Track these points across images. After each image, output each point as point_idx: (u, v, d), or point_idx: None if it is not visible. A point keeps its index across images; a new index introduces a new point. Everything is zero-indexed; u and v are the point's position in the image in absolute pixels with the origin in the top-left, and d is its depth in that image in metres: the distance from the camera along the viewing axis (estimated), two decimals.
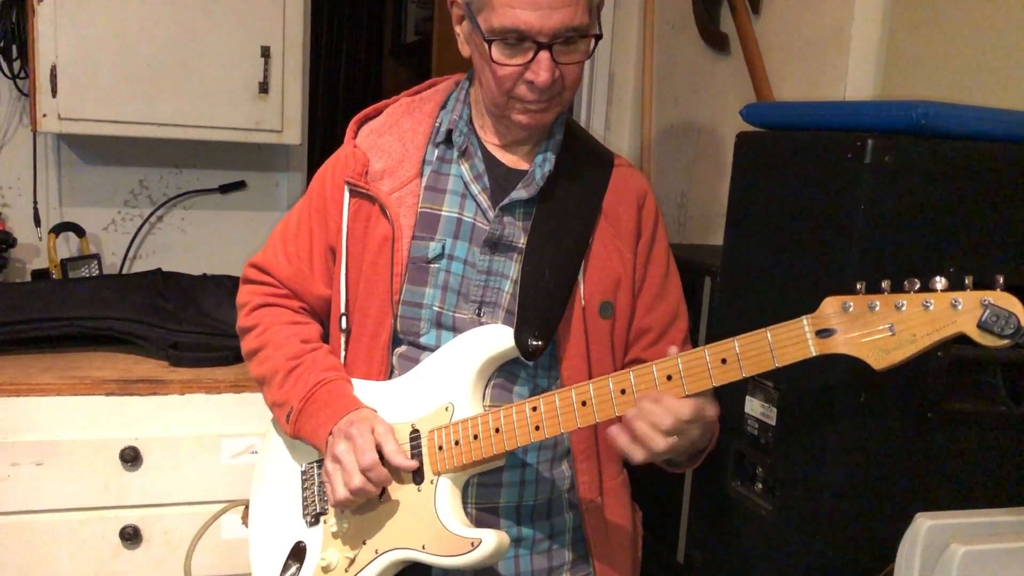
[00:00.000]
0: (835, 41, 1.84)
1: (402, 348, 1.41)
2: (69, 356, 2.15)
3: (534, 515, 1.42)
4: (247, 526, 1.53)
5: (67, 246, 2.65)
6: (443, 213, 1.40)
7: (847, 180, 1.20)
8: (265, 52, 2.43)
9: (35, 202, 2.61)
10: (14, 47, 2.48)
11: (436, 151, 1.43)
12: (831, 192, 1.24)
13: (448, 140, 1.42)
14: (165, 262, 2.68)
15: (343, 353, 1.46)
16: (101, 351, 2.20)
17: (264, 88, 2.44)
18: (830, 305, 1.06)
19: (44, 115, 2.30)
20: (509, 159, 1.43)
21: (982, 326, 0.97)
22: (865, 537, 1.25)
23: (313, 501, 1.43)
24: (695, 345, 1.51)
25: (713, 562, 1.53)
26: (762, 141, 1.42)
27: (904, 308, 1.01)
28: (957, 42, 1.65)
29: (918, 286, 1.01)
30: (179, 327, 2.18)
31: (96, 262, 2.58)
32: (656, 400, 1.17)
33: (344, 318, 1.45)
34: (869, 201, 1.18)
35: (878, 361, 1.02)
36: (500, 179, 1.41)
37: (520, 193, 1.38)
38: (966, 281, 0.99)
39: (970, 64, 1.62)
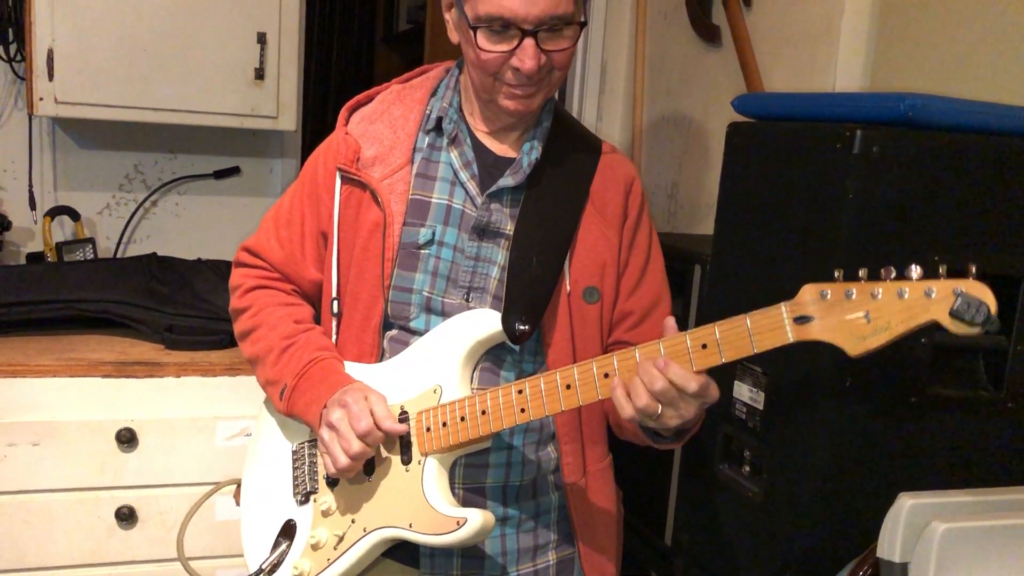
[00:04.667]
0: (825, 33, 1.87)
1: (393, 332, 1.43)
2: (66, 338, 2.17)
3: (520, 495, 1.44)
4: (239, 504, 1.56)
5: (62, 230, 2.66)
6: (433, 200, 1.42)
7: (835, 170, 1.23)
8: (261, 39, 2.44)
9: (30, 185, 2.61)
10: (11, 30, 2.48)
11: (427, 138, 1.45)
12: (820, 182, 1.26)
13: (438, 128, 1.44)
14: (159, 246, 2.69)
15: (335, 336, 1.48)
16: (97, 334, 2.21)
17: (260, 74, 2.45)
18: (808, 292, 1.08)
19: (40, 99, 2.30)
20: (498, 147, 1.45)
21: (954, 314, 0.98)
22: (850, 518, 1.28)
23: (304, 480, 1.45)
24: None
25: (700, 544, 1.56)
26: (753, 131, 1.45)
27: (880, 296, 1.03)
28: (945, 35, 1.68)
29: (894, 274, 1.03)
30: (175, 310, 2.20)
31: (91, 246, 2.58)
32: (665, 365, 1.17)
33: (336, 302, 1.47)
34: (857, 190, 1.21)
35: (854, 347, 1.05)
36: (489, 166, 1.43)
37: (507, 180, 1.40)
38: (940, 270, 1.00)
39: (957, 57, 1.65)
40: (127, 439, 2.02)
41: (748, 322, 1.11)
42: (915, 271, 1.02)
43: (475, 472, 1.41)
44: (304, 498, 1.44)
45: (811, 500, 1.28)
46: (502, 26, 1.29)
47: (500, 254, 1.40)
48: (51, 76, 2.30)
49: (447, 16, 1.40)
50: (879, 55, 1.82)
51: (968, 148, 1.24)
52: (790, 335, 1.09)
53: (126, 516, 2.05)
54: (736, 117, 1.50)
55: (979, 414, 1.30)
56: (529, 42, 1.29)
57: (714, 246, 1.53)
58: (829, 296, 1.06)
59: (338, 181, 1.45)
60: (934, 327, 1.01)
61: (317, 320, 1.53)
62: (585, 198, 1.44)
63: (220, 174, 2.81)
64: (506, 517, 1.44)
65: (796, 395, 1.31)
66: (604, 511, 1.50)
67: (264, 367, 1.48)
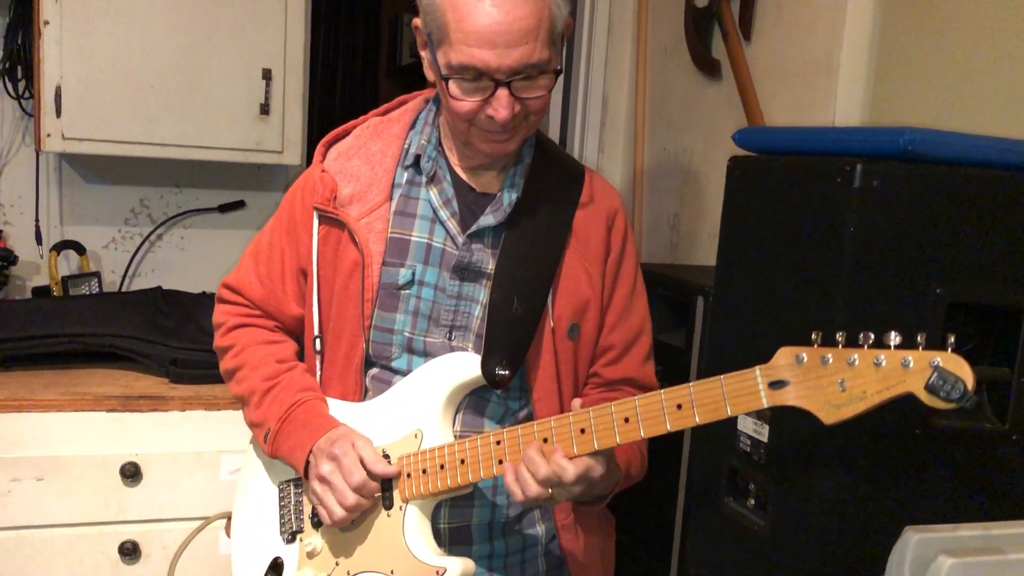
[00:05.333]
0: (824, 67, 1.89)
1: (375, 370, 1.42)
2: (71, 372, 2.17)
3: (506, 531, 1.43)
4: (229, 537, 1.57)
5: (67, 264, 2.67)
6: (413, 238, 1.40)
7: (836, 203, 1.23)
8: (266, 74, 2.47)
9: (37, 220, 2.63)
10: (19, 68, 2.51)
11: (406, 174, 1.42)
12: (821, 215, 1.27)
13: (417, 164, 1.41)
14: (164, 280, 2.70)
15: (318, 373, 1.47)
16: (102, 367, 2.22)
17: (265, 109, 2.48)
18: (783, 356, 1.07)
19: (48, 135, 2.32)
20: (478, 182, 1.42)
21: (929, 389, 0.97)
22: (856, 551, 1.27)
23: (289, 519, 1.45)
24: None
25: None
26: (754, 165, 1.46)
27: (856, 363, 1.01)
28: (943, 69, 1.69)
29: (872, 340, 1.02)
30: (179, 344, 2.20)
31: (96, 279, 2.59)
32: (540, 450, 1.21)
33: (318, 340, 1.45)
34: (858, 224, 1.21)
35: (828, 416, 1.04)
36: (470, 204, 1.41)
37: (488, 219, 1.38)
38: (919, 339, 0.99)
39: (956, 91, 1.66)
40: (131, 473, 2.02)
41: (723, 384, 1.10)
42: (894, 339, 1.00)
43: (460, 511, 1.40)
44: (291, 537, 1.44)
45: (817, 533, 1.28)
46: (475, 76, 1.25)
47: (482, 292, 1.38)
48: (59, 113, 2.32)
49: (423, 54, 1.36)
50: (878, 89, 1.83)
51: (968, 181, 1.25)
52: (764, 400, 1.08)
53: (129, 551, 2.04)
54: (737, 150, 1.51)
55: (984, 446, 1.29)
56: (503, 92, 1.26)
57: (717, 278, 1.53)
58: (805, 361, 1.05)
59: (315, 220, 1.42)
60: (910, 398, 1.00)
61: (302, 354, 1.51)
62: (568, 233, 1.42)
63: (225, 208, 2.83)
64: (492, 554, 1.43)
65: (800, 427, 1.31)
66: (595, 542, 1.50)
67: (248, 409, 1.47)
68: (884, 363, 1.00)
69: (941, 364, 0.97)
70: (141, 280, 2.78)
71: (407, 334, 1.39)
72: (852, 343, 1.04)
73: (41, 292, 2.59)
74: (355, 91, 5.39)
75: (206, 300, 2.47)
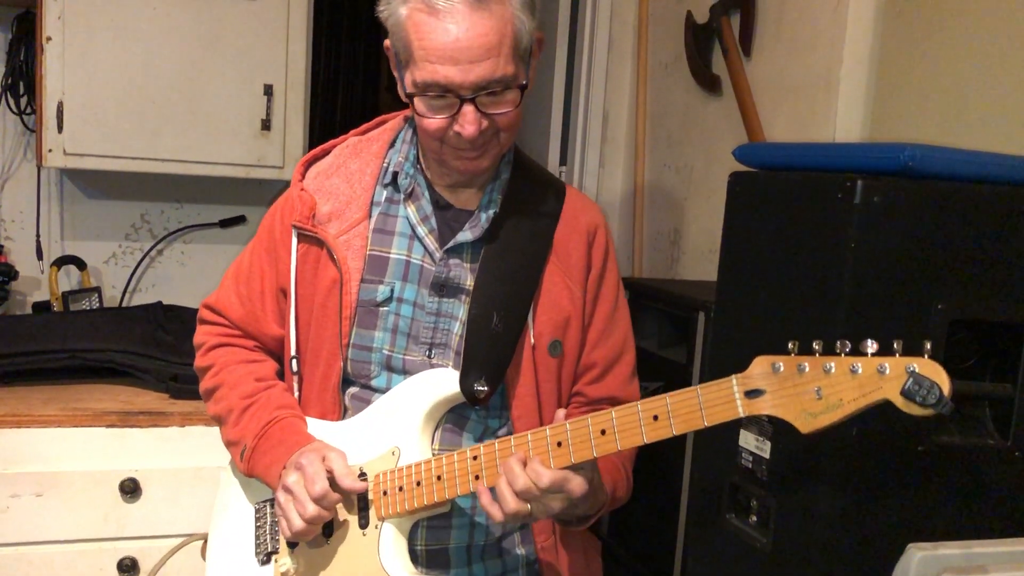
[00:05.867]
0: (824, 84, 1.89)
1: (354, 389, 1.41)
2: (70, 388, 2.17)
3: (485, 554, 1.41)
4: (204, 559, 1.53)
5: (68, 279, 2.67)
6: (391, 255, 1.39)
7: (837, 219, 1.23)
8: (268, 90, 2.48)
9: (37, 235, 2.63)
10: (21, 83, 2.52)
11: (385, 192, 1.42)
12: (821, 231, 1.27)
13: (395, 182, 1.41)
14: (165, 295, 2.70)
15: (297, 393, 1.45)
16: (102, 383, 2.21)
17: (267, 125, 2.48)
18: (759, 365, 1.06)
19: (50, 150, 2.33)
20: (456, 199, 1.42)
21: (905, 394, 0.96)
22: (859, 569, 1.27)
23: (265, 540, 1.42)
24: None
25: None
26: (754, 181, 1.46)
27: (832, 371, 1.01)
28: (943, 86, 1.70)
29: (849, 348, 1.01)
30: (179, 360, 2.20)
31: (97, 295, 2.60)
32: (521, 461, 1.19)
33: (295, 361, 1.44)
34: (858, 240, 1.21)
35: (804, 424, 1.03)
36: (448, 220, 1.40)
37: (466, 235, 1.37)
38: (895, 346, 0.99)
39: (956, 107, 1.67)
40: (131, 489, 2.02)
41: (699, 394, 1.10)
42: (871, 346, 1.00)
43: (438, 533, 1.38)
44: (265, 558, 1.41)
45: (819, 551, 1.27)
46: (440, 93, 1.25)
47: (462, 309, 1.37)
48: (60, 128, 2.33)
49: (396, 74, 1.35)
50: (878, 105, 1.84)
51: (969, 197, 1.24)
52: (740, 410, 1.08)
53: (128, 568, 2.03)
54: (737, 166, 1.51)
55: (987, 463, 1.29)
56: (468, 108, 1.25)
57: (718, 294, 1.53)
58: (782, 370, 1.05)
59: (294, 238, 1.42)
60: (887, 405, 0.99)
61: (281, 375, 1.50)
62: (548, 249, 1.41)
63: (226, 223, 2.83)
64: None
65: (802, 444, 1.30)
66: (577, 565, 1.47)
67: (226, 427, 1.45)
68: (860, 370, 1.00)
69: (917, 370, 0.97)
70: (142, 295, 2.78)
71: (386, 352, 1.38)
72: (829, 352, 1.03)
73: (41, 307, 2.59)
74: (356, 107, 5.40)
75: None
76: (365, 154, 1.45)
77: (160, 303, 2.48)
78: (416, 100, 1.28)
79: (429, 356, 1.37)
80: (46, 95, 2.32)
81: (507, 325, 1.35)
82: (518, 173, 1.44)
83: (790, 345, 1.05)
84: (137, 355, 2.20)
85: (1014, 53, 1.56)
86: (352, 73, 5.40)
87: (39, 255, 2.64)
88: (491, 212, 1.39)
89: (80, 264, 2.65)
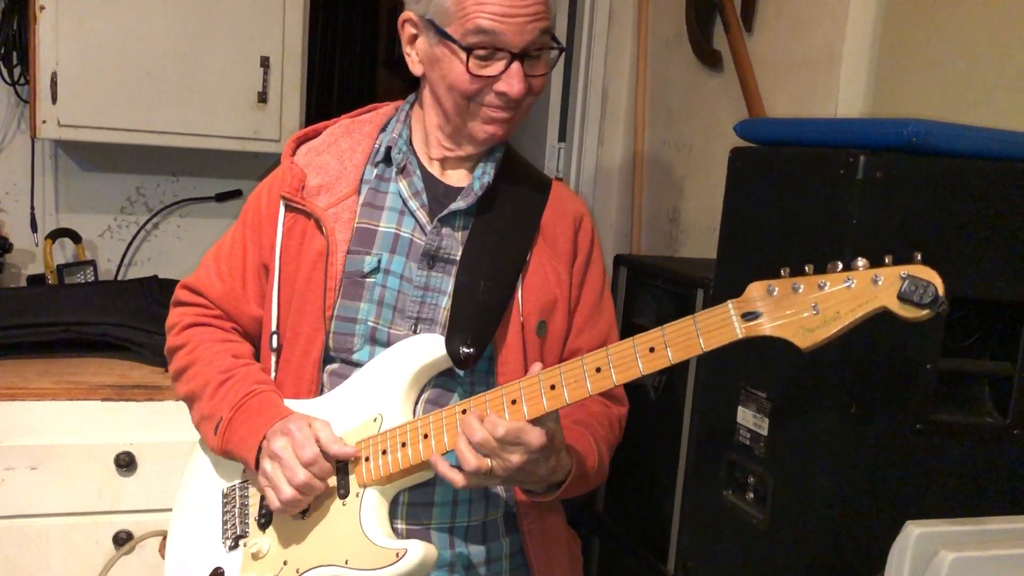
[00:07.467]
0: (827, 59, 1.87)
1: (334, 366, 1.39)
2: (65, 361, 2.16)
3: (468, 537, 1.39)
4: (163, 558, 1.48)
5: (63, 252, 2.66)
6: (380, 228, 1.38)
7: (839, 195, 1.23)
8: (264, 62, 2.45)
9: (32, 208, 2.62)
10: (15, 54, 2.49)
11: (375, 170, 1.42)
12: (823, 207, 1.26)
13: (387, 159, 1.41)
14: (160, 269, 2.69)
15: (273, 374, 1.43)
16: (97, 357, 2.21)
17: (263, 98, 2.46)
18: (755, 289, 1.07)
19: (44, 121, 2.31)
20: (448, 178, 1.43)
21: (902, 297, 0.98)
22: (855, 546, 1.27)
23: (234, 523, 1.38)
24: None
25: (704, 571, 1.55)
26: (755, 156, 1.45)
27: (827, 287, 1.02)
28: (946, 61, 1.68)
29: (840, 268, 1.03)
30: None
31: (92, 268, 2.58)
32: (479, 417, 1.19)
33: (275, 336, 1.42)
34: (860, 216, 1.21)
35: (803, 340, 1.03)
36: (439, 196, 1.40)
37: (459, 204, 1.38)
38: (887, 260, 1.01)
39: (959, 83, 1.65)
40: (126, 463, 2.01)
41: (695, 321, 1.10)
42: (861, 263, 1.02)
43: (419, 510, 1.35)
44: (234, 543, 1.37)
45: (816, 528, 1.27)
46: (490, 51, 1.29)
47: (449, 283, 1.36)
48: (54, 99, 2.31)
49: (408, 50, 1.38)
50: (881, 81, 1.82)
51: (972, 174, 1.24)
52: (738, 331, 1.08)
53: (124, 541, 2.03)
54: (738, 142, 1.50)
55: (985, 441, 1.29)
56: (516, 66, 1.30)
57: (717, 271, 1.52)
58: (776, 292, 1.06)
59: (282, 210, 1.41)
60: (883, 315, 1.00)
61: (257, 358, 1.47)
62: (535, 231, 1.42)
63: (222, 197, 2.82)
64: (453, 561, 1.37)
65: (800, 421, 1.30)
66: (562, 550, 1.46)
67: (200, 403, 1.41)
68: (855, 283, 1.01)
69: (911, 273, 0.99)
70: (137, 269, 2.77)
71: (371, 323, 1.36)
72: (821, 272, 1.04)
73: (36, 280, 2.58)
74: (353, 81, 5.37)
75: None
76: (357, 134, 1.45)
77: (156, 277, 2.47)
78: (471, 57, 1.29)
79: (415, 331, 1.35)
80: (40, 66, 2.29)
81: (494, 294, 1.35)
82: (509, 157, 1.46)
83: (782, 271, 1.06)
84: (132, 328, 2.19)
85: (1019, 27, 1.54)
86: (349, 48, 5.36)
87: (34, 228, 2.62)
88: (485, 181, 1.40)
89: (75, 237, 2.63)
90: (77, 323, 2.18)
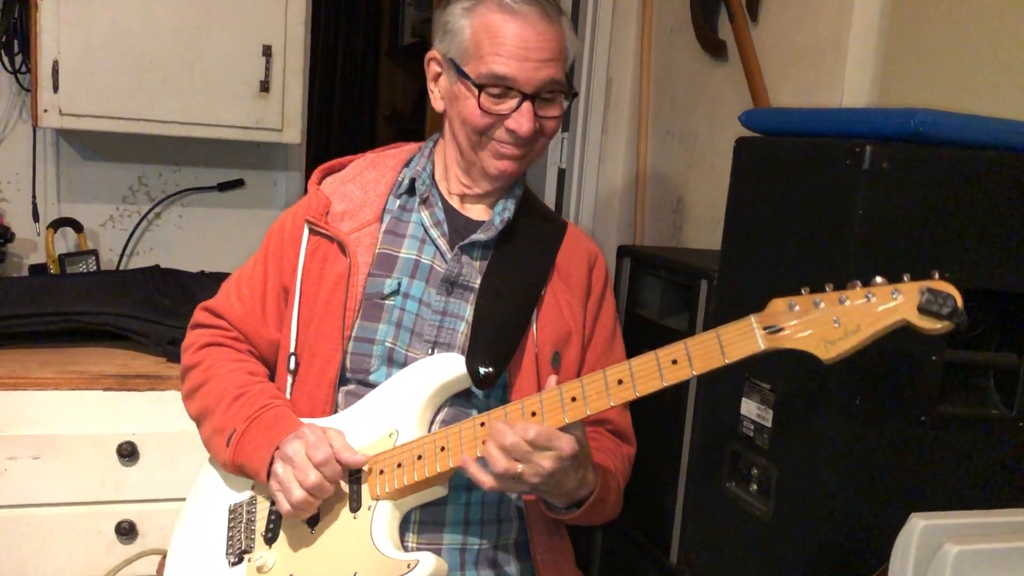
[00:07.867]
0: (832, 49, 1.86)
1: (350, 386, 1.40)
2: (67, 351, 2.16)
3: (479, 561, 1.39)
4: None
5: (65, 241, 2.65)
6: (401, 255, 1.43)
7: (845, 186, 1.22)
8: (267, 51, 2.44)
9: (34, 197, 2.61)
10: (16, 42, 2.48)
11: (398, 201, 1.47)
12: (829, 197, 1.25)
13: (411, 190, 1.47)
14: (162, 259, 2.68)
15: (288, 394, 1.44)
16: (99, 346, 2.20)
17: (265, 87, 2.46)
18: (776, 305, 1.10)
19: (45, 110, 2.30)
20: (468, 211, 1.48)
21: (922, 309, 1.00)
22: (860, 538, 1.26)
23: (238, 539, 1.37)
24: (644, 348, 1.52)
25: (707, 563, 1.54)
26: (761, 146, 1.44)
27: (847, 302, 1.05)
28: (953, 51, 1.67)
29: (859, 286, 1.05)
30: (177, 323, 2.19)
31: (93, 258, 2.58)
32: (508, 422, 1.20)
33: (293, 357, 1.43)
34: (867, 206, 1.20)
35: (825, 352, 1.06)
36: (459, 228, 1.45)
37: (479, 236, 1.43)
38: (905, 277, 1.04)
39: (965, 73, 1.64)
40: (128, 453, 2.01)
41: (718, 334, 1.12)
42: (880, 279, 1.04)
43: (431, 529, 1.35)
44: (237, 558, 1.35)
45: (820, 520, 1.27)
46: (503, 89, 1.35)
47: (468, 309, 1.39)
48: (56, 88, 2.30)
49: (432, 86, 1.46)
50: (887, 70, 1.81)
51: (979, 164, 1.23)
52: (761, 343, 1.10)
53: (126, 531, 2.04)
54: (742, 132, 1.49)
55: (991, 433, 1.28)
56: (527, 105, 1.35)
57: (722, 262, 1.51)
58: (797, 308, 1.08)
59: (305, 233, 1.46)
60: (903, 328, 1.03)
61: (272, 380, 1.49)
62: (551, 267, 1.47)
63: (224, 186, 2.81)
64: None
65: (805, 413, 1.30)
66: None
67: (212, 417, 1.42)
68: (875, 298, 1.03)
69: (930, 287, 1.01)
70: (139, 258, 2.76)
71: (389, 344, 1.37)
72: (840, 289, 1.07)
73: (38, 270, 2.57)
74: (355, 71, 5.36)
75: (205, 279, 2.46)
76: (381, 167, 1.52)
77: (158, 266, 2.47)
78: (482, 94, 1.36)
79: (431, 355, 1.37)
80: (41, 54, 2.28)
81: (511, 319, 1.38)
82: (527, 198, 1.52)
83: (803, 290, 1.09)
84: (134, 318, 2.18)
85: None
86: (352, 37, 5.35)
87: (35, 217, 2.62)
88: (506, 216, 1.45)
89: (77, 227, 2.63)
90: (79, 313, 2.17)
